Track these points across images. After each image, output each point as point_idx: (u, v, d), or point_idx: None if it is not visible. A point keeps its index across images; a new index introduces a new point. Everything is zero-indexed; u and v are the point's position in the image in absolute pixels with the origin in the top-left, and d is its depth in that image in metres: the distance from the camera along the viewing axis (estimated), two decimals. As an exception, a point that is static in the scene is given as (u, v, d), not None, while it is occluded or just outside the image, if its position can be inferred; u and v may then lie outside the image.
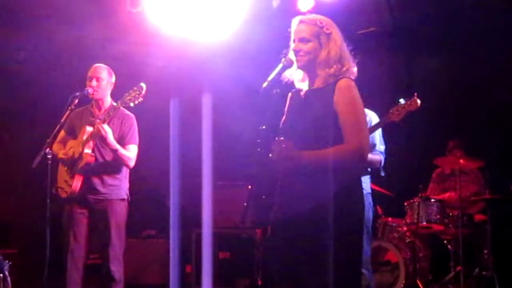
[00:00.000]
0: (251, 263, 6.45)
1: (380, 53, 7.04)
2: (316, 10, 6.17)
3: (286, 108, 3.27)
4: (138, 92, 4.61)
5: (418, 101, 4.32)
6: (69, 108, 4.73)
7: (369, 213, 4.66)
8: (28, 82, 6.62)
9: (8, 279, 4.32)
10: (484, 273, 5.92)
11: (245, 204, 6.45)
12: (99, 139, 4.69)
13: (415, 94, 4.40)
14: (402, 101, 4.36)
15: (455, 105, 6.84)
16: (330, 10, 6.17)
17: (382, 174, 4.65)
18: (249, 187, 6.50)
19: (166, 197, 6.40)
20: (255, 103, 3.03)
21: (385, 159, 4.65)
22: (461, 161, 5.98)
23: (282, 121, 3.19)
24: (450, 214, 6.03)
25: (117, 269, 4.74)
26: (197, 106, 6.56)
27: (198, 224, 6.31)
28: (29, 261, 5.76)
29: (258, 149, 3.01)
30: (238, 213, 6.48)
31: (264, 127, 2.96)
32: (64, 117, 4.73)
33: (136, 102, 4.63)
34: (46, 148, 4.61)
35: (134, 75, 6.64)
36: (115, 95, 5.36)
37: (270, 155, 2.95)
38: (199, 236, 6.37)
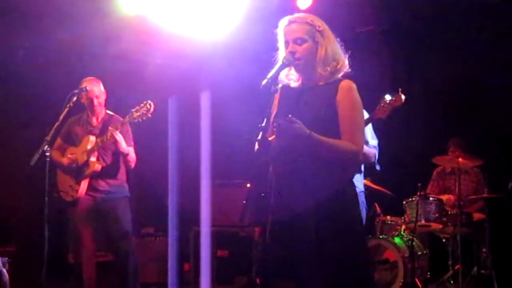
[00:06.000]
0: (249, 261, 6.45)
1: (378, 51, 7.04)
2: (315, 8, 6.17)
3: (277, 102, 3.21)
4: (146, 110, 4.83)
5: (403, 97, 4.34)
6: (68, 106, 4.80)
7: (362, 213, 4.64)
8: (27, 80, 6.61)
9: (6, 274, 4.32)
10: (482, 271, 5.92)
11: (243, 202, 6.45)
12: (111, 145, 4.98)
13: (399, 89, 4.42)
14: (388, 97, 4.37)
15: (454, 103, 6.84)
16: (329, 8, 6.17)
17: (378, 167, 4.63)
18: (248, 185, 6.50)
19: (164, 195, 6.40)
20: (254, 101, 3.02)
21: (379, 153, 4.64)
22: (460, 159, 5.98)
23: (275, 115, 3.13)
24: (449, 212, 6.03)
25: (135, 259, 5.09)
26: (196, 104, 6.56)
27: (196, 222, 6.31)
28: (27, 258, 5.75)
29: (257, 147, 2.99)
30: (237, 211, 6.47)
31: (263, 125, 2.94)
32: (63, 115, 4.76)
33: (144, 118, 4.86)
34: (44, 146, 4.62)
35: (133, 73, 6.65)
36: (113, 95, 5.39)
37: (275, 129, 2.93)
38: (197, 234, 6.37)
